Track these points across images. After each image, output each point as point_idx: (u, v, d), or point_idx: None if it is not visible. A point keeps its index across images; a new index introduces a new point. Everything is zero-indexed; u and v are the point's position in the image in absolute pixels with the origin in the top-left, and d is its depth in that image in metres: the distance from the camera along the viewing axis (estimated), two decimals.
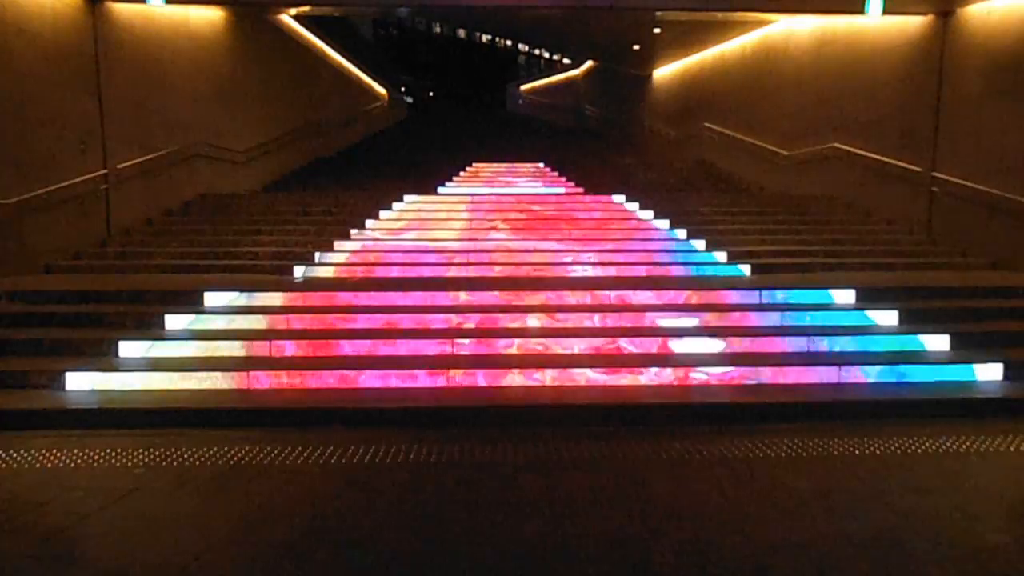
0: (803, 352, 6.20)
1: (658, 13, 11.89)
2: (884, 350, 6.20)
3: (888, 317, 6.72)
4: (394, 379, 5.62)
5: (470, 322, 6.65)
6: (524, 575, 2.92)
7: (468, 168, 15.73)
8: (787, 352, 6.20)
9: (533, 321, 6.68)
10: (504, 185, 14.17)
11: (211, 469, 4.11)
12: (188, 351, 6.05)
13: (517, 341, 6.21)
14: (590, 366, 5.75)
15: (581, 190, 13.25)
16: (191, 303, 6.98)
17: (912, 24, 10.40)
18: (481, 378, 5.64)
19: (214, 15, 12.53)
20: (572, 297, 7.22)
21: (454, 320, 6.66)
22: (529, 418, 5.13)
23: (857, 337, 6.29)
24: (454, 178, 14.70)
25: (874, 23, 11.01)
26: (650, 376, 5.67)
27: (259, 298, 7.09)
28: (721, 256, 9.20)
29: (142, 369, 5.65)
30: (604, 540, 3.20)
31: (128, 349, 6.01)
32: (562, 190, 13.48)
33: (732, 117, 16.29)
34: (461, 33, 54.23)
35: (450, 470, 4.10)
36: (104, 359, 5.93)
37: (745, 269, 8.72)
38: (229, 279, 8.06)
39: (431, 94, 50.86)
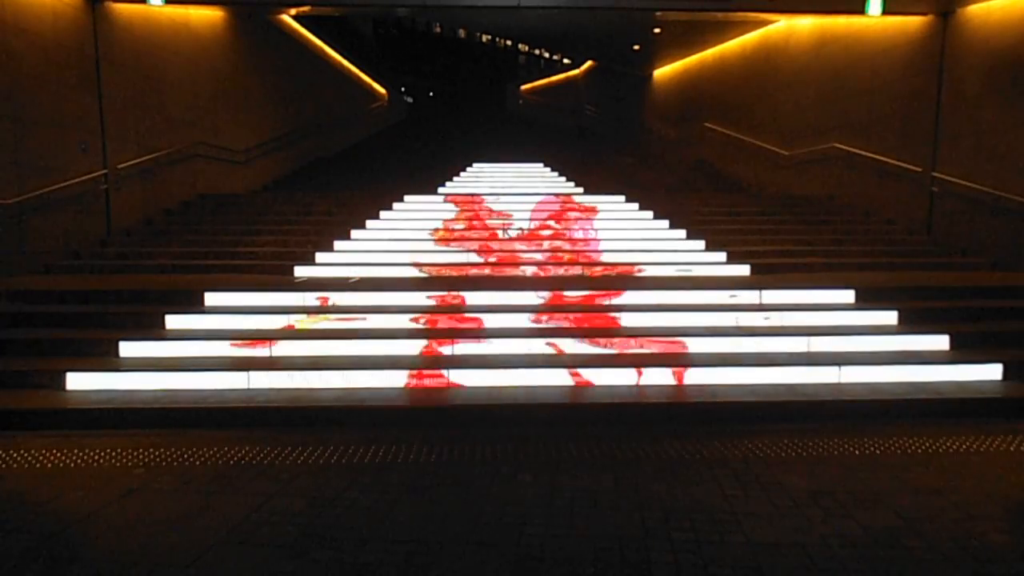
0: (803, 352, 6.21)
1: (658, 13, 11.90)
2: (884, 350, 6.20)
3: (887, 317, 6.72)
4: (395, 379, 5.62)
5: (468, 321, 6.66)
6: (524, 575, 2.92)
7: (468, 168, 15.75)
8: (787, 352, 6.20)
9: (530, 321, 6.69)
10: (504, 185, 14.18)
11: (211, 469, 4.11)
12: (188, 351, 6.06)
13: (512, 341, 6.21)
14: (588, 366, 5.75)
15: (581, 190, 13.25)
16: (191, 303, 6.99)
17: (912, 24, 10.40)
18: (482, 378, 5.64)
19: (214, 15, 12.54)
20: (570, 296, 7.23)
21: (453, 320, 6.67)
22: (529, 419, 5.13)
23: (856, 337, 6.29)
24: (454, 178, 14.72)
25: (874, 23, 11.02)
26: (649, 376, 5.67)
27: (259, 298, 7.09)
28: (721, 256, 9.21)
29: (142, 369, 5.65)
30: (604, 540, 3.20)
31: (128, 349, 6.01)
32: (562, 190, 13.47)
33: (732, 117, 16.30)
34: (461, 33, 54.21)
35: (450, 470, 4.10)
36: (104, 359, 5.94)
37: (745, 269, 8.73)
38: (229, 279, 8.07)
39: (431, 94, 50.83)
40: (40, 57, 8.43)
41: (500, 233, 10.11)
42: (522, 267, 8.82)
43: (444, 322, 6.66)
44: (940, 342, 6.24)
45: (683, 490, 3.79)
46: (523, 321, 6.69)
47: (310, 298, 7.11)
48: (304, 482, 3.92)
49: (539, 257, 9.20)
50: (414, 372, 5.65)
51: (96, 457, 4.31)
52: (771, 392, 5.47)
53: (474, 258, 9.22)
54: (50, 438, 4.68)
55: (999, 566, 2.95)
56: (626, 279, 8.29)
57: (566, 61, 37.17)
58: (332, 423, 5.06)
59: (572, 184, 14.04)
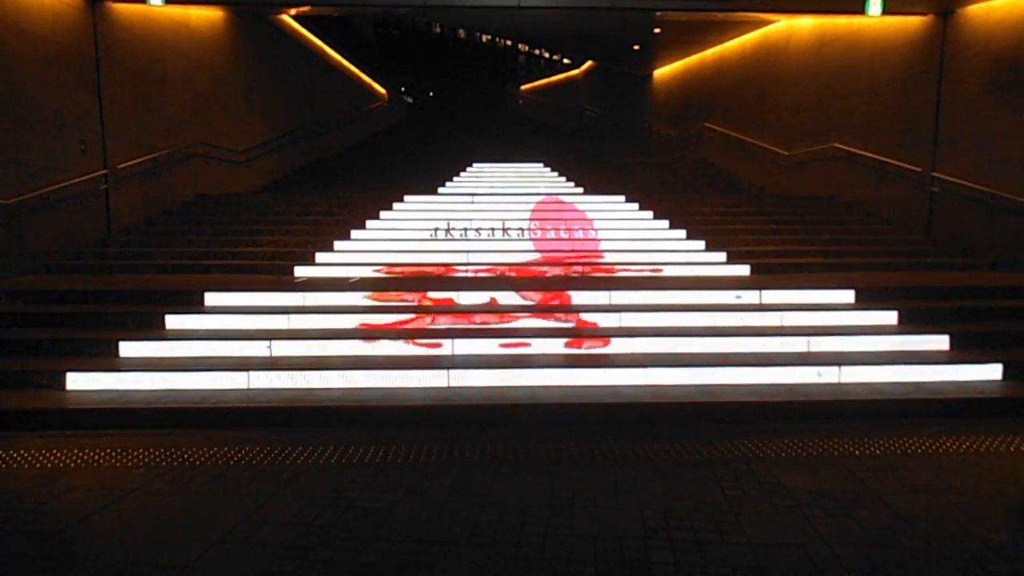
0: (803, 352, 6.20)
1: (658, 13, 11.90)
2: (884, 350, 6.20)
3: (887, 317, 6.72)
4: (393, 379, 5.62)
5: (468, 321, 6.66)
6: (524, 575, 2.92)
7: (468, 168, 15.75)
8: (787, 352, 6.20)
9: (532, 320, 6.68)
10: (504, 185, 14.18)
11: (211, 469, 4.11)
12: (188, 351, 6.05)
13: (513, 341, 6.21)
14: (587, 365, 5.75)
15: (581, 190, 13.25)
16: (191, 303, 6.99)
17: (912, 24, 10.40)
18: (481, 378, 5.64)
19: (214, 15, 12.54)
20: (571, 297, 7.23)
21: (452, 319, 6.67)
22: (529, 419, 5.13)
23: (857, 337, 6.29)
24: (454, 178, 14.72)
25: (874, 23, 11.03)
26: (649, 376, 5.67)
27: (259, 298, 7.09)
28: (721, 256, 9.20)
29: (142, 369, 5.65)
30: (604, 540, 3.20)
31: (128, 349, 6.01)
32: (561, 190, 13.47)
33: (732, 117, 16.30)
34: (461, 33, 54.22)
35: (450, 470, 4.10)
36: (104, 359, 5.93)
37: (745, 269, 8.72)
38: (229, 279, 8.07)
39: (431, 94, 50.86)
40: (40, 57, 8.43)
41: (499, 233, 10.11)
42: (522, 266, 8.82)
43: (442, 321, 6.66)
44: (940, 342, 6.24)
45: (683, 490, 3.78)
46: (530, 320, 6.68)
47: (310, 297, 7.10)
48: (304, 482, 3.92)
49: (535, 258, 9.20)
50: (414, 372, 5.65)
51: (96, 457, 4.31)
52: (771, 392, 5.47)
53: (473, 257, 9.15)
54: (50, 438, 4.68)
55: (999, 566, 2.95)
56: (624, 279, 8.28)
57: (566, 61, 37.19)
58: (332, 423, 5.06)
59: (572, 184, 14.03)
